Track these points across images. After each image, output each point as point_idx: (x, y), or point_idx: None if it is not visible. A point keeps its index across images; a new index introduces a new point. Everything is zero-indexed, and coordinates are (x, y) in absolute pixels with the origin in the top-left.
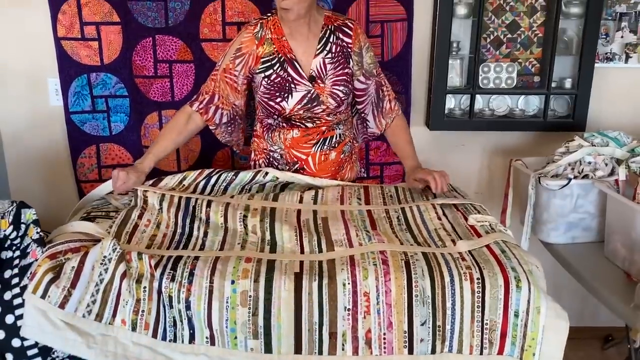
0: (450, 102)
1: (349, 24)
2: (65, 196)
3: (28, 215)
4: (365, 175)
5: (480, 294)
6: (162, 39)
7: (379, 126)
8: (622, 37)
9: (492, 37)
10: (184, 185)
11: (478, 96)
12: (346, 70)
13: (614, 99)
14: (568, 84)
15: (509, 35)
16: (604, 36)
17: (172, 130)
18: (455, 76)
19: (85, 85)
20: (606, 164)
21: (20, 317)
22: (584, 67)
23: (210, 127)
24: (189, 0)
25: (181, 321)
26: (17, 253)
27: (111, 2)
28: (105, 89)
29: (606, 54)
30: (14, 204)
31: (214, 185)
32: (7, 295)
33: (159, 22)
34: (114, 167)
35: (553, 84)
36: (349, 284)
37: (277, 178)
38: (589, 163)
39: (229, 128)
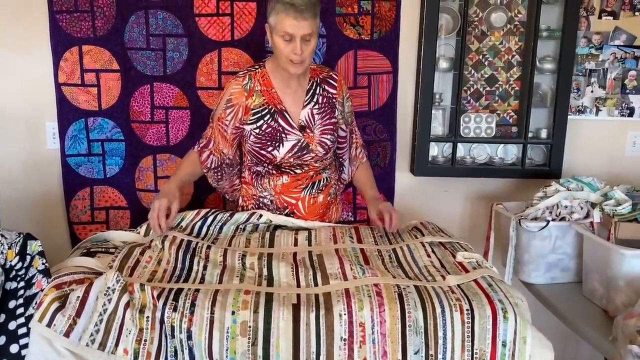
0: (434, 149)
1: (334, 75)
2: (56, 237)
3: (34, 246)
4: (353, 219)
5: (469, 325)
6: (159, 86)
7: (350, 173)
8: (592, 91)
9: (472, 89)
10: (181, 226)
11: (460, 144)
12: (332, 120)
13: (587, 148)
14: (544, 134)
15: (488, 88)
16: (576, 90)
17: (193, 161)
18: (438, 125)
19: (83, 129)
20: (581, 207)
21: (25, 346)
22: (558, 119)
23: (203, 170)
24: (187, 50)
25: (182, 351)
26: (22, 284)
27: (112, 51)
28: (102, 133)
29: (578, 107)
30: (21, 236)
31: (209, 226)
32: (12, 325)
33: (157, 71)
34: (107, 209)
35: (530, 134)
36: (345, 314)
37: (271, 221)
38: (566, 206)
39: (217, 174)
